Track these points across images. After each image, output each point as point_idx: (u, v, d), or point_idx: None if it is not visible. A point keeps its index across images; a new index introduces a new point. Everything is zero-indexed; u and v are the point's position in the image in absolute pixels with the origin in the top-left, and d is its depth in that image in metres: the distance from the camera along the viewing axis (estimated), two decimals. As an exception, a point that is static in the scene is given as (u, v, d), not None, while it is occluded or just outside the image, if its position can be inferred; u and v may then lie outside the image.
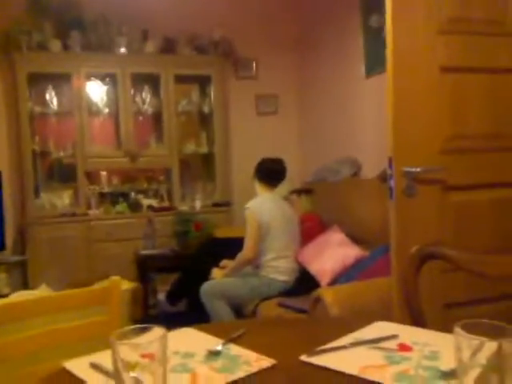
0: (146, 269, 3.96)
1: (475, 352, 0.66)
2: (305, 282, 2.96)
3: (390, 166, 1.94)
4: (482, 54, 2.04)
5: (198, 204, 4.52)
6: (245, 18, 4.75)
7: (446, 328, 0.95)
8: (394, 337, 1.07)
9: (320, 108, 4.58)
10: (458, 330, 0.68)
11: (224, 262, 3.25)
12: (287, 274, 3.08)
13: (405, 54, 1.92)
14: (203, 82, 4.71)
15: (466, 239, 2.01)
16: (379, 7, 3.14)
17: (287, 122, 4.98)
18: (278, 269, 3.07)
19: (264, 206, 3.14)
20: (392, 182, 1.94)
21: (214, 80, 4.58)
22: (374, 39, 3.60)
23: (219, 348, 1.04)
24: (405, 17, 1.92)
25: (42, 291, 2.22)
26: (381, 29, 3.37)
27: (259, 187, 3.28)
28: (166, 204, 4.51)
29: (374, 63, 3.62)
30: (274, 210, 3.16)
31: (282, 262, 3.09)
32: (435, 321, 1.35)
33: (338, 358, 0.97)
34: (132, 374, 0.69)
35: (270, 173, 3.29)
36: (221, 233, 4.04)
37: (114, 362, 0.70)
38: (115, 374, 0.70)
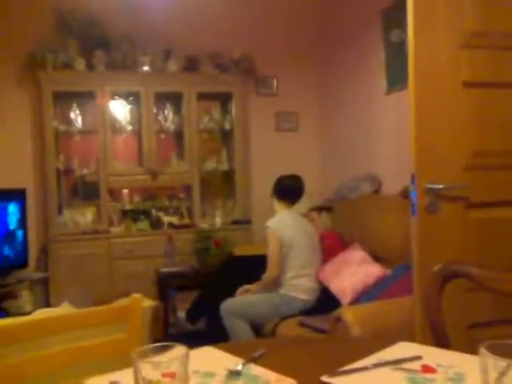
0: (166, 286, 3.97)
1: (502, 374, 0.65)
2: (325, 301, 2.94)
3: (413, 182, 1.92)
4: (506, 69, 2.02)
5: (218, 221, 4.53)
6: (265, 36, 4.80)
7: (471, 349, 0.94)
8: (417, 358, 1.05)
9: (340, 125, 4.58)
10: (483, 350, 0.67)
11: (245, 287, 3.25)
12: (308, 292, 3.06)
13: (427, 69, 1.92)
14: (224, 100, 4.75)
15: (490, 257, 1.97)
16: (400, 22, 3.16)
17: (307, 139, 4.98)
18: (299, 287, 3.06)
19: (284, 224, 3.14)
20: (414, 199, 1.92)
21: (235, 97, 4.62)
22: (395, 55, 3.60)
23: (239, 368, 1.03)
24: (426, 31, 1.91)
25: (64, 309, 2.24)
26: (402, 44, 3.38)
27: (278, 205, 3.29)
28: (186, 221, 4.53)
29: (395, 79, 3.62)
30: (295, 227, 3.16)
31: (303, 280, 3.08)
32: (459, 342, 1.33)
33: (360, 379, 0.96)
34: (153, 393, 0.69)
35: (289, 190, 3.30)
36: (241, 250, 4.03)
37: (136, 380, 0.70)
38: (136, 393, 0.70)
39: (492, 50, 2.00)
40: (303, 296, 3.04)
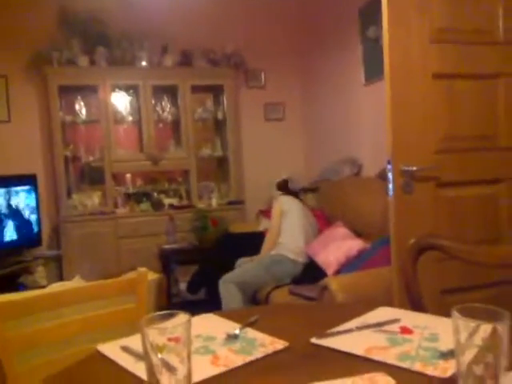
0: (168, 261, 3.97)
1: (472, 334, 0.66)
2: (312, 272, 2.96)
3: (389, 165, 1.93)
4: (472, 61, 2.03)
5: (214, 202, 4.52)
6: (254, 32, 4.75)
7: (444, 313, 0.95)
8: (396, 321, 1.06)
9: (323, 114, 4.57)
10: (455, 313, 0.68)
11: (243, 260, 3.27)
12: (297, 254, 3.12)
13: (400, 62, 1.91)
14: (217, 92, 4.71)
15: (458, 231, 2.00)
16: (376, 19, 3.14)
17: (293, 127, 4.97)
18: (289, 247, 3.12)
19: (287, 199, 3.36)
20: (391, 180, 1.93)
21: (227, 89, 4.58)
22: (372, 49, 3.58)
23: (237, 332, 1.04)
24: (399, 28, 1.91)
25: (76, 282, 2.24)
26: (378, 39, 3.36)
27: (280, 194, 3.50)
28: (185, 202, 4.52)
29: (373, 71, 3.60)
30: (295, 202, 3.35)
31: (293, 242, 3.14)
32: (433, 306, 1.35)
33: (345, 341, 0.97)
34: (160, 356, 0.69)
35: (289, 189, 3.56)
36: (235, 228, 4.05)
37: (144, 344, 0.70)
38: (145, 356, 0.71)
39: (459, 44, 2.00)
40: (292, 256, 3.09)
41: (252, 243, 3.20)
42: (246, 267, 3.18)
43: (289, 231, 3.22)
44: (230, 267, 3.26)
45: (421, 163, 1.93)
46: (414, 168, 1.92)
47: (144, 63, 4.37)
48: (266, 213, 3.95)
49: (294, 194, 3.52)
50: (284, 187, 3.60)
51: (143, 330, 0.70)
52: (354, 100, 3.98)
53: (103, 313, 1.32)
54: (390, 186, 1.94)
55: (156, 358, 0.69)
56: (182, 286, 3.90)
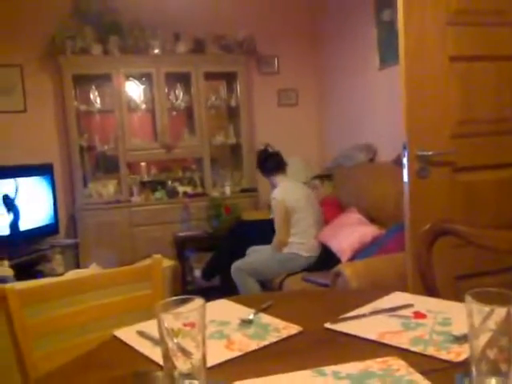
0: (182, 249, 4.01)
1: (486, 318, 0.65)
2: (326, 259, 2.96)
3: (405, 150, 1.91)
4: (489, 43, 1.99)
5: (227, 190, 4.53)
6: (266, 18, 4.71)
7: (457, 298, 0.95)
8: (409, 306, 1.07)
9: (337, 99, 4.53)
10: (469, 298, 0.67)
11: (254, 248, 3.29)
12: (310, 250, 3.09)
13: (416, 46, 1.89)
14: (230, 79, 4.69)
15: (474, 216, 1.98)
16: (391, 2, 3.08)
17: (307, 113, 4.94)
18: (302, 246, 3.08)
19: (288, 192, 3.14)
20: (406, 165, 1.92)
21: (240, 76, 4.56)
22: (387, 33, 3.53)
23: (251, 317, 1.05)
24: (415, 10, 1.88)
25: (92, 270, 2.27)
26: (393, 22, 3.30)
27: (275, 179, 3.27)
28: (199, 190, 4.54)
29: (387, 56, 3.56)
30: (298, 192, 3.17)
31: (306, 240, 3.10)
32: (447, 291, 1.34)
33: (358, 325, 0.98)
34: (175, 340, 0.70)
35: (274, 162, 3.28)
36: (248, 216, 4.06)
37: (160, 329, 0.72)
38: (161, 341, 0.72)
39: (476, 26, 1.96)
40: (306, 253, 3.07)
41: (264, 230, 3.19)
42: (257, 257, 3.18)
43: (300, 229, 3.12)
44: (243, 255, 3.29)
45: (437, 148, 1.92)
46: (430, 153, 1.90)
47: (156, 51, 4.36)
48: None
49: (281, 165, 3.26)
50: (272, 165, 3.25)
51: (159, 315, 0.71)
52: (368, 85, 3.93)
53: (119, 299, 1.34)
54: (406, 171, 1.92)
55: (172, 343, 0.70)
56: (197, 272, 3.95)
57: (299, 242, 3.09)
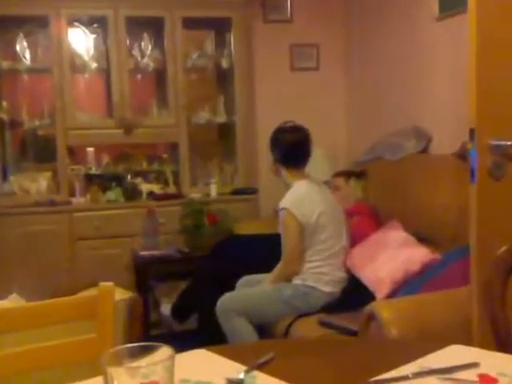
0: (145, 274, 4.01)
1: None
2: (354, 294, 2.96)
3: (472, 138, 1.92)
4: None
5: (213, 190, 4.53)
6: None
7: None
8: (473, 365, 1.06)
9: (374, 62, 4.53)
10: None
11: (248, 278, 3.32)
12: (333, 284, 3.08)
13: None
14: (220, 28, 4.71)
15: None
16: None
17: (331, 81, 4.94)
18: (323, 277, 3.07)
19: (305, 200, 3.11)
20: (474, 160, 1.92)
21: (235, 25, 4.57)
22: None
23: (241, 376, 1.05)
24: None
25: (12, 302, 2.27)
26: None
27: (287, 174, 3.24)
28: (171, 190, 4.54)
29: (450, 0, 3.57)
30: (319, 202, 3.13)
31: (329, 268, 3.09)
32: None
33: (398, 392, 0.98)
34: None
35: (295, 148, 3.25)
36: (242, 228, 4.06)
37: (106, 390, 0.71)
38: (108, 407, 0.72)
39: None
40: (327, 288, 3.06)
41: (266, 251, 3.19)
42: (254, 291, 3.18)
43: (321, 254, 3.10)
44: (232, 286, 3.29)
45: (518, 136, 1.92)
46: (508, 143, 1.90)
47: (115, -15, 4.38)
48: None
49: (305, 155, 3.23)
50: (289, 152, 3.20)
51: (106, 369, 0.71)
52: (421, 42, 3.93)
53: (50, 345, 1.34)
54: (473, 168, 1.93)
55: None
56: (165, 309, 3.94)
57: (318, 272, 3.09)
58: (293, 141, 3.24)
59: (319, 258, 3.11)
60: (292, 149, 3.24)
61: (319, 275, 3.09)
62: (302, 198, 3.13)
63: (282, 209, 3.11)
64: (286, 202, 3.12)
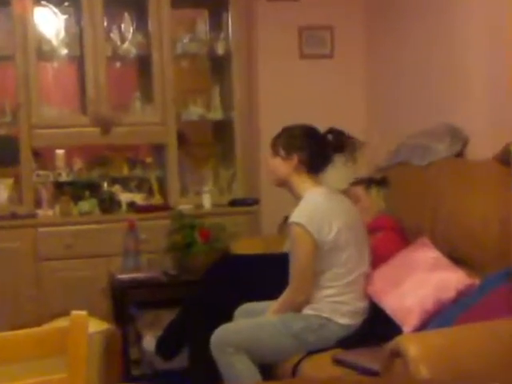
0: (125, 302, 4.01)
1: None
2: (376, 326, 2.96)
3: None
4: None
5: (206, 201, 4.54)
6: None
7: None
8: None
9: (400, 47, 4.53)
10: None
11: (248, 307, 3.32)
12: (352, 315, 3.07)
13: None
14: (215, 7, 4.74)
15: None
16: None
17: (349, 72, 4.94)
18: (341, 307, 3.06)
19: (322, 215, 3.08)
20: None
21: (233, 3, 4.60)
22: None
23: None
24: None
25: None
26: None
27: (300, 180, 3.22)
28: (156, 201, 4.55)
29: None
30: (338, 216, 3.10)
31: (349, 297, 3.08)
32: None
33: None
34: None
35: (325, 151, 3.27)
36: (243, 247, 4.06)
37: None
38: None
39: None
40: (344, 320, 3.05)
41: (270, 274, 3.18)
42: (255, 323, 3.17)
43: (338, 279, 3.08)
44: (229, 317, 3.28)
45: None
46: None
47: (90, -44, 4.41)
48: None
49: (322, 168, 3.27)
50: (315, 150, 3.22)
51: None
52: (455, 20, 3.94)
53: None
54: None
55: None
56: (149, 344, 3.94)
57: (336, 301, 3.07)
58: (329, 142, 3.30)
59: (338, 284, 3.08)
60: (324, 151, 3.27)
61: (336, 305, 3.07)
62: (319, 211, 3.09)
63: (294, 223, 3.07)
64: (300, 214, 3.08)
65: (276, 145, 3.27)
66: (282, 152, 3.23)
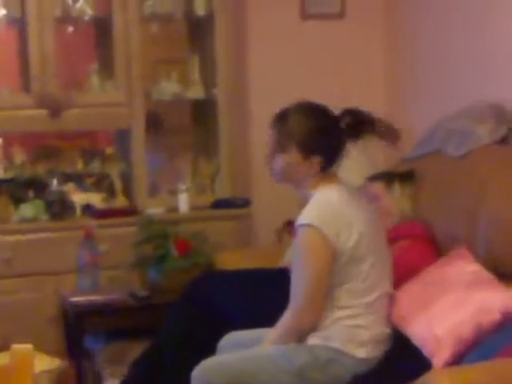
0: (80, 331, 4.01)
1: None
2: (400, 359, 2.98)
3: None
4: None
5: (183, 203, 4.55)
6: None
7: None
8: None
9: (427, 6, 4.56)
10: None
11: (236, 335, 3.33)
12: (373, 344, 3.07)
13: None
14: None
15: None
16: None
17: (364, 36, 4.97)
18: (360, 334, 3.05)
19: (341, 217, 3.07)
20: None
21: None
22: None
23: None
24: None
25: None
26: None
27: (314, 176, 3.19)
28: (119, 203, 4.57)
29: None
30: (357, 219, 3.10)
31: (369, 320, 3.07)
32: None
33: None
34: None
35: (330, 138, 3.24)
36: (229, 260, 4.07)
37: None
38: None
39: None
40: (361, 352, 3.03)
41: (264, 294, 3.20)
42: (245, 356, 3.16)
43: (359, 297, 3.04)
44: (212, 348, 3.29)
45: None
46: None
47: None
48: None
49: (336, 161, 3.16)
50: (322, 143, 3.09)
51: None
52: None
53: None
54: None
55: None
56: (112, 386, 3.96)
57: (351, 325, 3.04)
58: (344, 130, 3.28)
59: (355, 304, 3.04)
60: (342, 144, 3.17)
61: (353, 329, 3.02)
62: (336, 210, 3.06)
63: (305, 225, 3.04)
64: (312, 215, 3.03)
65: (284, 137, 3.12)
66: (294, 149, 3.09)
